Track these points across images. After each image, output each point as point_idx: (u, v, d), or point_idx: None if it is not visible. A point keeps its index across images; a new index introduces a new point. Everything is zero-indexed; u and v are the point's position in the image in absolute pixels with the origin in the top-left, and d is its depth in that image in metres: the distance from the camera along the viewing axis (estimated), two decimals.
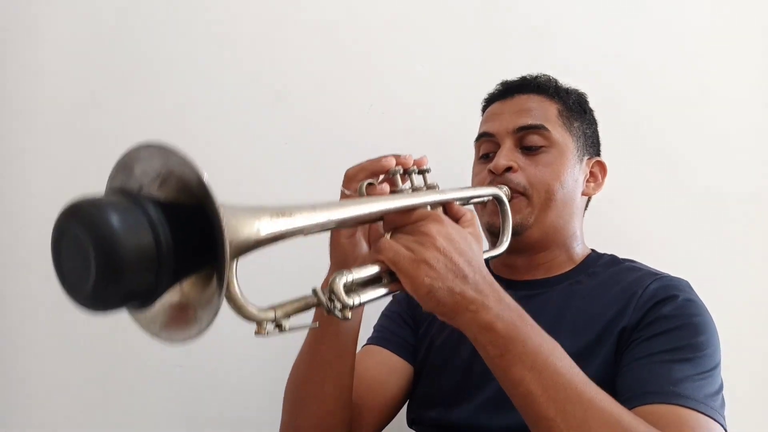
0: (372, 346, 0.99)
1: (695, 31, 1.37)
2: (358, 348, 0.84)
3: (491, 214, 0.94)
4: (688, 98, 1.35)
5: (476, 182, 0.99)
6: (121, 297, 0.40)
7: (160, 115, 1.27)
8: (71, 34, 1.28)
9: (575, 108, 0.99)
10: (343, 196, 0.73)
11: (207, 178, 0.40)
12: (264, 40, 1.31)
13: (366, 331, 0.98)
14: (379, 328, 1.03)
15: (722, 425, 0.72)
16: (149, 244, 0.39)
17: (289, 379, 0.85)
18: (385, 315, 1.05)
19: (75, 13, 1.28)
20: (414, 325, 1.01)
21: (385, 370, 0.95)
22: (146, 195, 0.42)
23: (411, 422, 0.97)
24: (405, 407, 0.99)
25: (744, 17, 1.38)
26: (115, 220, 0.38)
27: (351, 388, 0.83)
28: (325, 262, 0.78)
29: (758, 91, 1.36)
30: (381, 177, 0.71)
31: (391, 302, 1.06)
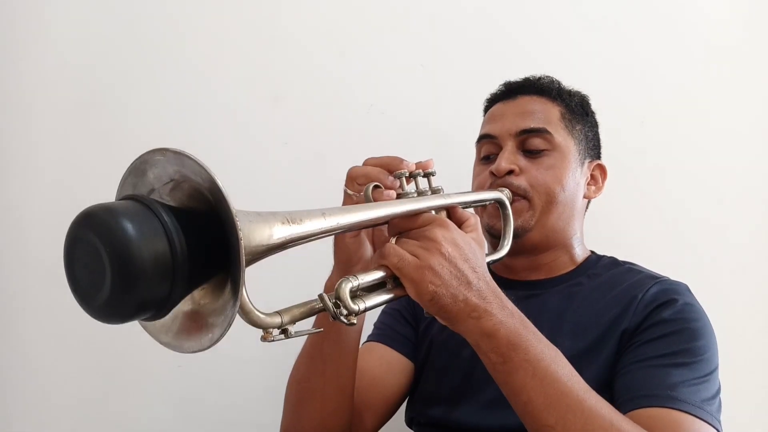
0: (372, 343, 0.99)
1: (696, 33, 1.37)
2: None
3: (492, 216, 0.95)
4: (688, 101, 1.35)
5: (477, 183, 0.99)
6: (135, 306, 0.39)
7: (160, 116, 1.27)
8: (71, 35, 1.27)
9: (578, 111, 0.99)
10: (346, 195, 0.73)
11: (222, 184, 0.39)
12: (264, 39, 1.31)
13: (367, 329, 0.98)
14: (379, 325, 1.02)
15: (717, 429, 0.72)
16: (164, 252, 0.38)
17: (290, 377, 0.85)
18: (386, 312, 1.04)
19: (75, 15, 1.27)
20: (414, 323, 1.01)
21: (385, 366, 0.95)
22: (159, 201, 0.41)
23: (410, 421, 0.97)
24: (404, 407, 0.99)
25: (744, 18, 1.38)
26: (130, 227, 0.37)
27: (353, 387, 0.83)
28: (326, 265, 0.78)
29: (759, 93, 1.36)
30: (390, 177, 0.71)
31: None
